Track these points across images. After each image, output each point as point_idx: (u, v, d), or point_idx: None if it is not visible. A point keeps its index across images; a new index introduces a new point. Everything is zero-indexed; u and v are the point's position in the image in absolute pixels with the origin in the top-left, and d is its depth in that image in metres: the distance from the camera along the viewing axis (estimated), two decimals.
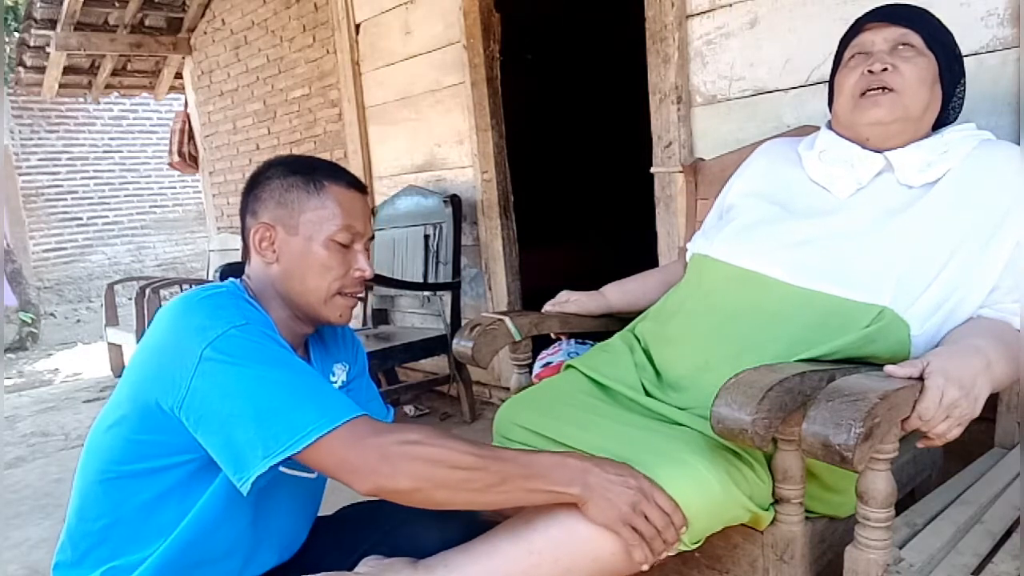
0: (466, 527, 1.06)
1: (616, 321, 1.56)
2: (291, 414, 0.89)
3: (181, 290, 4.35)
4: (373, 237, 1.16)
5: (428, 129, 3.16)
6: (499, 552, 0.96)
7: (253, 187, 1.11)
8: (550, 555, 0.95)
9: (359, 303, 3.35)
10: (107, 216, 8.31)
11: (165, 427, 0.94)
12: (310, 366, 1.01)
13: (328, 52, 3.62)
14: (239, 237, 1.15)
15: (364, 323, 3.37)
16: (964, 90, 1.25)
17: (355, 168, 3.48)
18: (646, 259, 2.12)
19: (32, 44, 4.65)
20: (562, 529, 0.95)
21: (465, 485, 0.91)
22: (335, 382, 1.19)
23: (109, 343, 4.48)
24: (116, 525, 1.00)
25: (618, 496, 0.92)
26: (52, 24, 4.47)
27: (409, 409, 3.20)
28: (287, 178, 1.08)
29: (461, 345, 1.43)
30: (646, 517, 0.92)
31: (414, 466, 0.89)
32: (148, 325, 1.06)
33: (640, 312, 1.41)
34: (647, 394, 1.18)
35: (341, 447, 0.90)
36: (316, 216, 1.06)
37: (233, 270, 1.14)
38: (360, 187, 1.12)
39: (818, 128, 1.34)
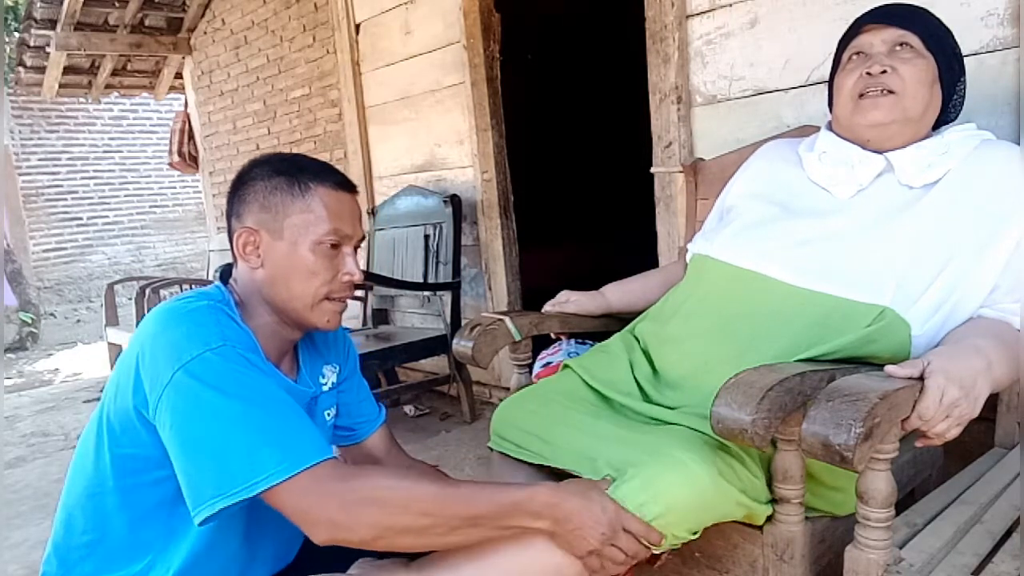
0: None
1: (616, 321, 1.56)
2: (251, 455, 0.86)
3: (181, 290, 4.35)
4: (364, 237, 1.12)
5: (428, 129, 3.16)
6: (493, 549, 0.96)
7: (237, 188, 1.07)
8: (546, 550, 0.94)
9: (358, 303, 3.38)
10: (107, 216, 8.31)
11: (147, 440, 0.93)
12: (286, 393, 0.95)
13: (328, 52, 3.62)
14: None
15: (364, 323, 3.37)
16: (964, 89, 1.25)
17: (355, 168, 3.48)
18: (646, 259, 2.12)
19: (32, 44, 4.65)
20: None
21: (429, 530, 0.89)
22: (325, 384, 1.17)
23: (109, 343, 4.47)
24: (102, 541, 0.99)
25: (589, 531, 0.91)
26: (52, 24, 4.47)
27: (409, 409, 3.20)
28: (271, 179, 1.04)
29: (461, 345, 1.43)
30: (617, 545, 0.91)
31: (373, 515, 0.87)
32: None
33: (640, 312, 1.41)
34: (644, 397, 1.18)
35: (299, 494, 0.86)
36: (301, 220, 1.02)
37: (232, 270, 1.13)
38: (349, 187, 1.08)
39: (818, 128, 1.34)
